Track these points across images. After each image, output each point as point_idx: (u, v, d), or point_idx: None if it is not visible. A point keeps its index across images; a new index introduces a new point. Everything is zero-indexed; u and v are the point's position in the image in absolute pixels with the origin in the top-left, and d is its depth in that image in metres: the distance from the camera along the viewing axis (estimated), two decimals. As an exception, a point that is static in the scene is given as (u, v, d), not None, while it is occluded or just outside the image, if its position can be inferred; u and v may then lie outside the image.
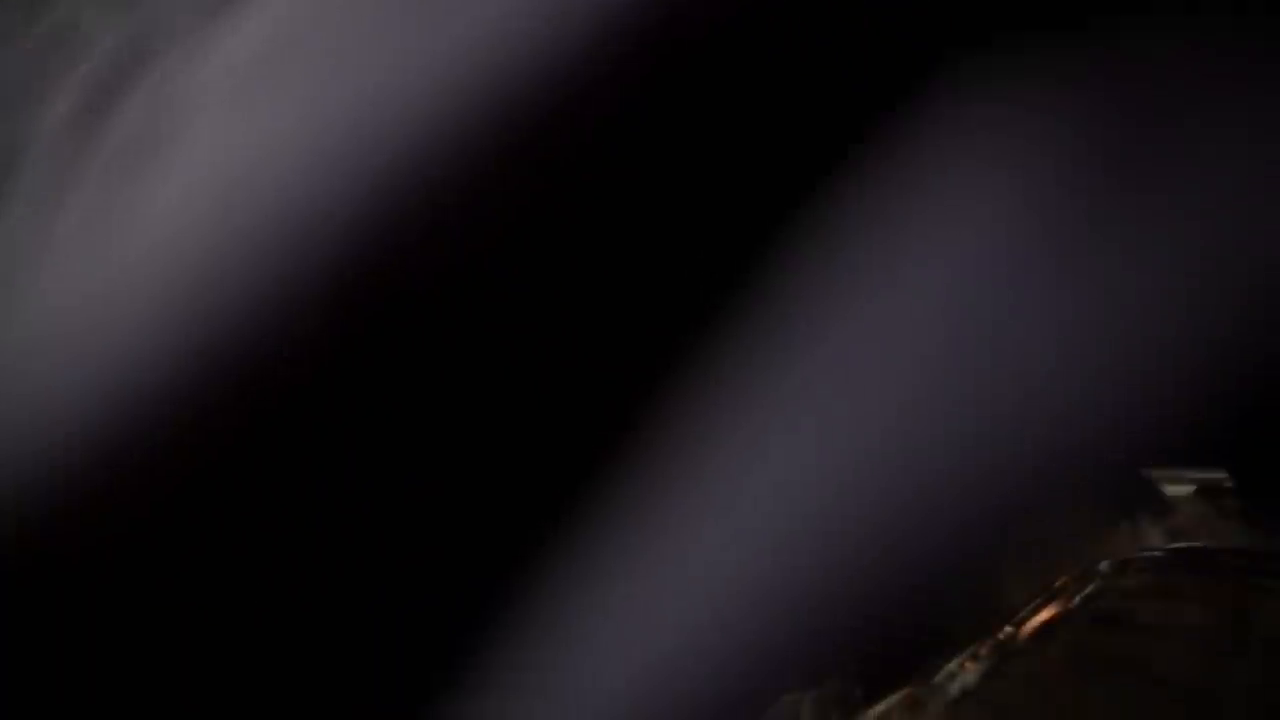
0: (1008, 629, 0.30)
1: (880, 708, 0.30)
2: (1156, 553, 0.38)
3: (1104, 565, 0.32)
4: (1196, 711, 0.25)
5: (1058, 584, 0.32)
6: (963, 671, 0.29)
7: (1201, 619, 0.29)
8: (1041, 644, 0.29)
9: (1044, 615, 0.31)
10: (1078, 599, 0.31)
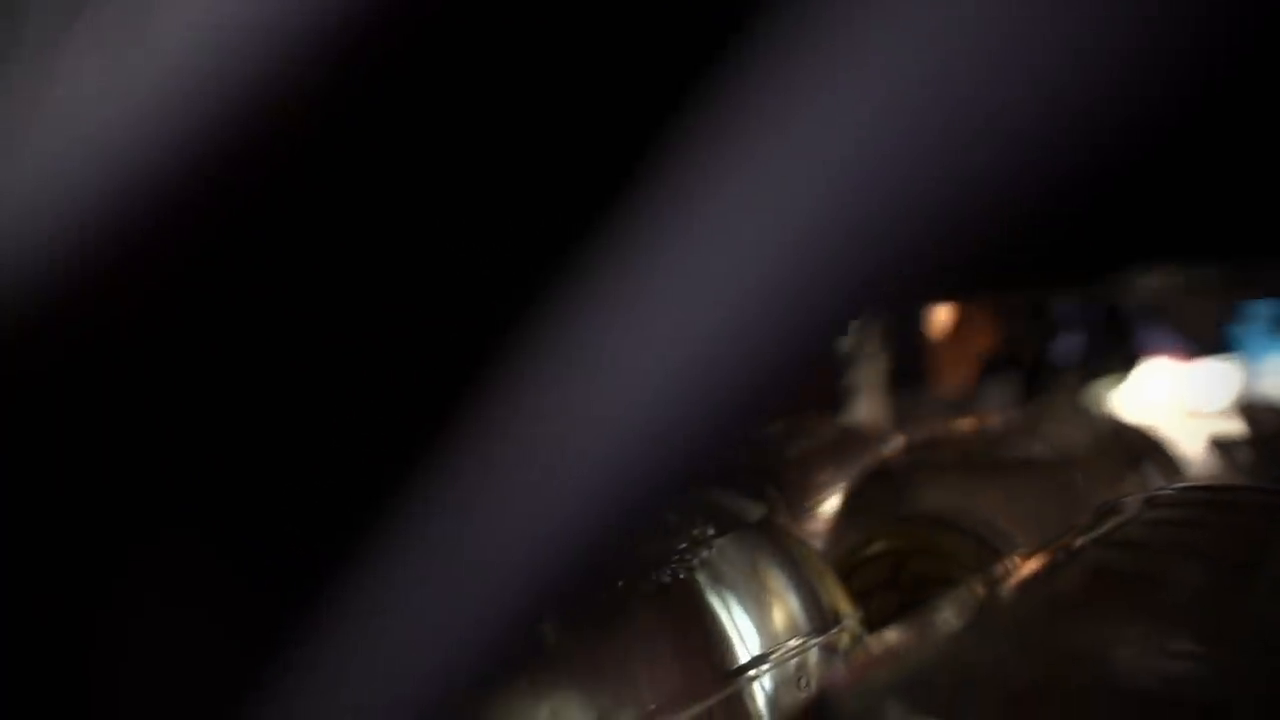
0: (1021, 558, 0.29)
1: (887, 635, 0.28)
2: (1178, 490, 0.36)
3: (1130, 499, 0.31)
4: (1205, 623, 0.24)
5: (1081, 522, 0.31)
6: (974, 595, 0.27)
7: (1218, 544, 0.28)
8: (1063, 566, 0.28)
9: (1067, 542, 0.30)
10: (1103, 528, 0.30)
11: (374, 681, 0.16)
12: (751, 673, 0.36)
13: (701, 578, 0.37)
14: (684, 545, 0.38)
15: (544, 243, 0.15)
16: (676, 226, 0.15)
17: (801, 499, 0.54)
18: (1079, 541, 0.28)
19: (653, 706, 0.34)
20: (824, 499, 0.54)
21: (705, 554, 0.38)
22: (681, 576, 0.37)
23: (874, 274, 0.15)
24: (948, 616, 0.25)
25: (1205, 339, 1.14)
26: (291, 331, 0.15)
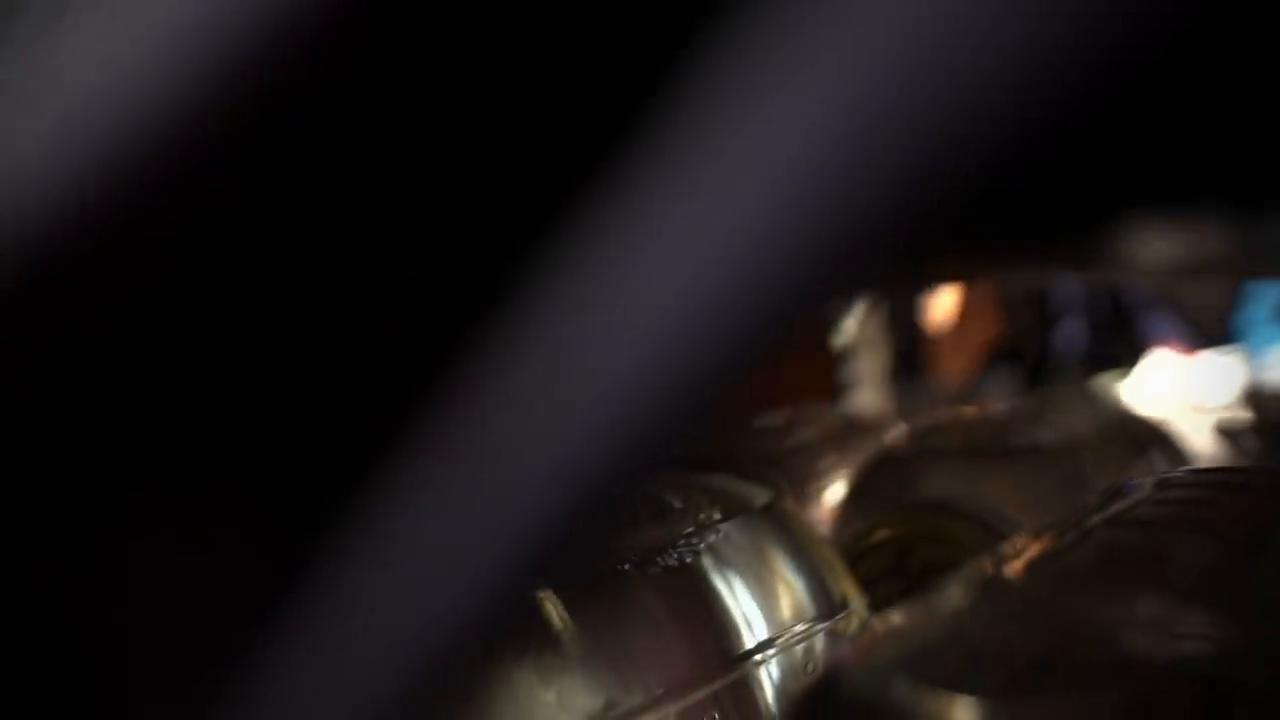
0: (1028, 538, 0.29)
1: (892, 616, 0.28)
2: (1189, 472, 0.36)
3: (1142, 480, 0.31)
4: (1213, 600, 0.24)
5: (1091, 502, 0.31)
6: (981, 574, 0.27)
7: (1229, 523, 0.28)
8: (1072, 544, 0.28)
9: (1076, 521, 0.30)
10: (1114, 507, 0.29)
11: (354, 662, 0.15)
12: (758, 657, 0.36)
13: (707, 562, 0.37)
14: (690, 530, 0.38)
15: (509, 228, 0.15)
16: (641, 213, 0.15)
17: (804, 486, 0.54)
18: (1088, 521, 0.28)
19: (659, 691, 0.34)
20: (826, 486, 0.54)
21: (711, 539, 0.38)
22: (688, 561, 0.37)
23: (844, 256, 0.14)
24: (953, 595, 0.25)
25: (1209, 331, 1.14)
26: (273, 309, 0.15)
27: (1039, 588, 0.25)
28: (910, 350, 1.23)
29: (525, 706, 0.32)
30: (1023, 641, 0.23)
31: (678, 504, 0.40)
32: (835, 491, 0.54)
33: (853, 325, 1.20)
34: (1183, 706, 0.21)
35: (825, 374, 1.12)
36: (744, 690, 0.36)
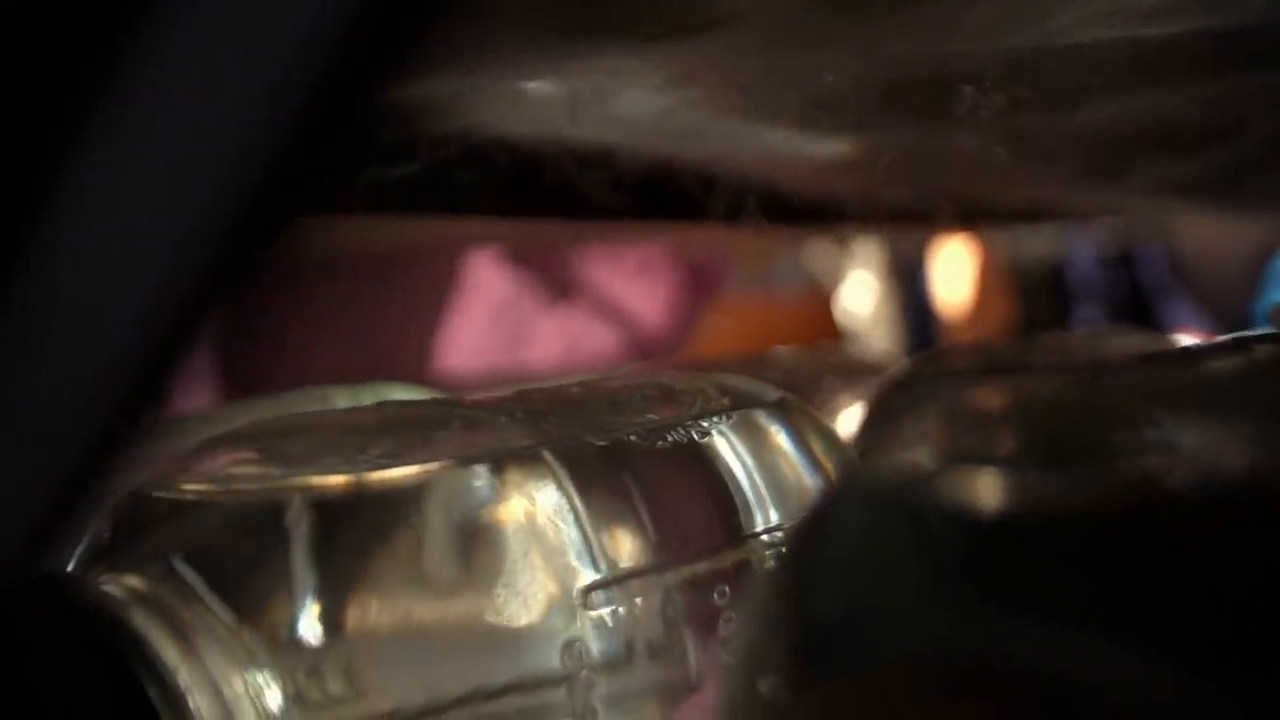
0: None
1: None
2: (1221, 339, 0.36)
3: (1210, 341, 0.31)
4: (1257, 426, 0.23)
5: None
6: (1000, 391, 0.26)
7: (1269, 354, 0.28)
8: (1120, 374, 0.27)
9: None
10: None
11: None
12: (766, 539, 0.35)
13: (719, 442, 0.36)
14: (697, 413, 0.37)
15: None
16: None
17: (818, 409, 0.53)
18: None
19: (663, 558, 0.32)
20: (841, 410, 0.53)
21: (722, 423, 0.37)
22: (699, 439, 0.36)
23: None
24: (970, 407, 0.24)
25: (1228, 315, 1.13)
26: None
27: (1072, 396, 0.23)
28: (922, 333, 1.22)
29: (531, 567, 0.31)
30: (1050, 432, 0.22)
31: (688, 392, 0.39)
32: (850, 415, 0.52)
33: (864, 304, 1.18)
34: (1210, 531, 0.20)
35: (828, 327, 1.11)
36: (750, 569, 0.34)
